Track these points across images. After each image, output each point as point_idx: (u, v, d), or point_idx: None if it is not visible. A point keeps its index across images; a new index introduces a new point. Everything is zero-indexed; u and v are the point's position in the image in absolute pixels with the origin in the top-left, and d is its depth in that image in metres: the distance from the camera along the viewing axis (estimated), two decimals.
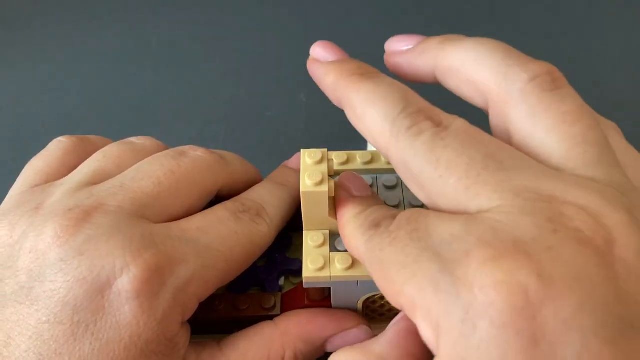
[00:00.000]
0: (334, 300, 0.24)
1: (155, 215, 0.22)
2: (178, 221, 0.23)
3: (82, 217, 0.21)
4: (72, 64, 0.45)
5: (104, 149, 0.26)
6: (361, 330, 0.24)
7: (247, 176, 0.27)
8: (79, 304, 0.19)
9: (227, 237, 0.23)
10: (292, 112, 0.41)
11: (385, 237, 0.18)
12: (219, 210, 0.24)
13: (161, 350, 0.20)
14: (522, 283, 0.14)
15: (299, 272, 0.24)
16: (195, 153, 0.25)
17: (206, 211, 0.24)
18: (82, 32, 0.48)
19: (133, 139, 0.27)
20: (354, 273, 0.23)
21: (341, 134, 0.39)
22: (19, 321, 0.20)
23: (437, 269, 0.16)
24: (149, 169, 0.24)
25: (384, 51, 0.46)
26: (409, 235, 0.17)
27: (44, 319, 0.19)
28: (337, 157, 0.27)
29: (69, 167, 0.25)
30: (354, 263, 0.23)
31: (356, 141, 0.39)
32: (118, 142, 0.26)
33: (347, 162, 0.26)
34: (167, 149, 0.26)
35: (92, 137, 0.27)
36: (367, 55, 0.45)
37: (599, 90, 0.42)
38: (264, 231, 0.24)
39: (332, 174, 0.26)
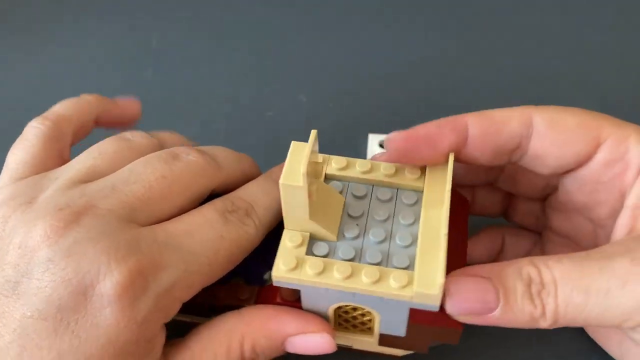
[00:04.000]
0: (303, 303, 0.24)
1: (145, 218, 0.23)
2: (165, 223, 0.23)
3: (72, 219, 0.21)
4: (72, 63, 0.45)
5: (100, 144, 0.26)
6: (323, 337, 0.24)
7: (242, 176, 0.27)
8: (62, 303, 0.20)
9: (212, 240, 0.23)
10: (292, 112, 0.41)
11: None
12: (208, 211, 0.24)
13: (139, 351, 0.21)
14: None
15: None
16: (188, 157, 0.25)
17: (194, 211, 0.24)
18: (82, 32, 0.48)
19: (129, 135, 0.26)
20: (324, 280, 0.22)
21: (341, 134, 0.40)
22: (5, 313, 0.21)
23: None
24: (141, 171, 0.24)
25: (384, 51, 0.46)
26: None
27: (29, 313, 0.20)
28: (337, 162, 0.26)
29: (53, 156, 0.26)
30: (326, 269, 0.23)
31: (356, 141, 0.39)
32: (114, 137, 0.26)
33: (346, 167, 0.26)
34: (161, 148, 0.26)
35: (64, 114, 0.27)
36: (367, 55, 0.45)
37: (599, 90, 0.42)
38: (251, 233, 0.24)
39: (322, 177, 0.26)
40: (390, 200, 0.25)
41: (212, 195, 0.26)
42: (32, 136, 0.26)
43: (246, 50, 0.45)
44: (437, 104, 0.41)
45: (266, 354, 0.24)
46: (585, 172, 0.24)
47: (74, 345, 0.20)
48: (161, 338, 0.23)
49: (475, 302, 0.22)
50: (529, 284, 0.21)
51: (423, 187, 0.25)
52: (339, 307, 0.24)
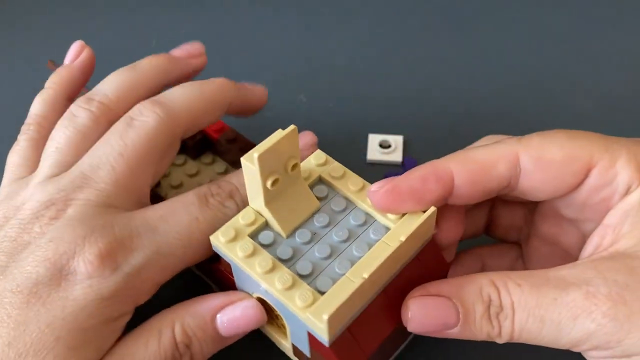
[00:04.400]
0: (235, 280, 0.25)
1: (120, 199, 0.25)
2: (145, 209, 0.25)
3: (54, 216, 0.24)
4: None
5: (54, 138, 0.27)
6: (248, 303, 0.24)
7: (209, 107, 0.28)
8: (39, 278, 0.22)
9: (186, 223, 0.24)
10: (292, 112, 0.41)
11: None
12: (189, 195, 0.25)
13: (101, 328, 0.22)
14: None
15: None
16: (142, 120, 0.26)
17: (176, 197, 0.25)
18: (82, 32, 0.47)
19: (75, 112, 0.27)
20: (245, 264, 0.23)
21: (341, 134, 0.40)
22: None
23: (621, 139, 0.24)
24: (101, 153, 0.25)
25: (384, 51, 0.46)
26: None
27: (9, 287, 0.22)
28: (334, 170, 0.26)
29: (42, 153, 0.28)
30: (252, 256, 0.23)
31: (356, 142, 0.39)
32: (62, 121, 0.27)
33: (340, 177, 0.26)
34: (112, 114, 0.27)
35: (41, 114, 0.29)
36: (367, 55, 0.45)
37: (598, 90, 0.42)
38: (230, 215, 0.25)
39: (309, 176, 0.25)
40: (360, 225, 0.24)
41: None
42: (22, 141, 0.28)
43: (246, 51, 0.45)
44: (437, 104, 0.41)
45: (198, 335, 0.24)
46: (574, 195, 0.24)
47: (40, 314, 0.22)
48: (124, 321, 0.24)
49: (435, 322, 0.22)
50: (488, 305, 0.22)
51: (393, 226, 0.24)
52: (262, 300, 0.25)
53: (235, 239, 0.24)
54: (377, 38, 0.47)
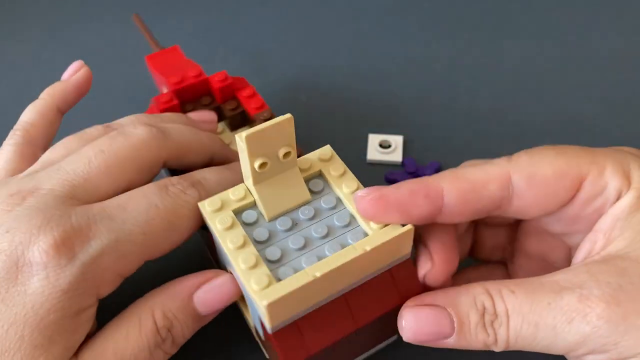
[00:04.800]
0: (217, 250, 0.26)
1: (86, 194, 0.24)
2: (104, 200, 0.24)
3: (17, 202, 0.23)
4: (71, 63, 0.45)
5: (59, 143, 0.27)
6: (225, 277, 0.25)
7: (200, 148, 0.28)
8: None
9: (145, 210, 0.24)
10: (292, 112, 0.41)
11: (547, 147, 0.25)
12: (150, 185, 0.25)
13: (64, 323, 0.22)
14: None
15: None
16: (133, 131, 0.26)
17: (137, 188, 0.25)
18: (82, 32, 0.48)
19: (86, 129, 0.28)
20: (219, 237, 0.23)
21: (341, 134, 0.40)
22: None
23: (608, 149, 0.24)
24: (84, 150, 0.25)
25: (384, 51, 0.46)
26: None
27: None
28: (335, 169, 0.26)
29: (27, 159, 0.28)
30: (228, 230, 0.24)
31: (356, 142, 0.39)
32: (70, 135, 0.28)
33: (339, 176, 0.26)
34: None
35: (28, 120, 0.29)
36: (367, 55, 0.45)
37: (598, 90, 0.42)
38: (192, 201, 0.25)
39: (309, 168, 0.26)
40: (342, 227, 0.24)
41: (174, 173, 0.27)
42: (6, 146, 0.28)
43: (246, 50, 0.45)
44: (437, 104, 0.42)
45: (179, 317, 0.24)
46: (566, 210, 0.24)
47: (1, 312, 0.21)
48: (89, 314, 0.23)
49: (430, 332, 0.23)
50: (482, 313, 0.22)
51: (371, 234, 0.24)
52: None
53: (219, 209, 0.24)
54: (377, 38, 0.47)
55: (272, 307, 0.21)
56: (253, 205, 0.25)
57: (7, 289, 0.21)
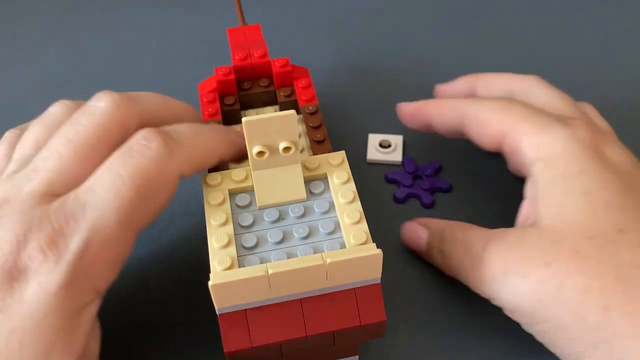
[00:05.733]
0: None
1: (65, 186, 0.24)
2: (77, 188, 0.23)
3: (2, 207, 0.23)
4: (72, 64, 0.45)
5: (24, 135, 0.27)
6: None
7: (170, 112, 0.27)
8: None
9: (110, 185, 0.23)
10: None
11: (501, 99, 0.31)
12: (115, 153, 0.24)
13: (64, 324, 0.22)
14: (598, 133, 0.28)
15: (448, 189, 0.35)
16: (96, 104, 0.25)
17: (104, 162, 0.24)
18: (82, 32, 0.48)
19: (49, 109, 0.27)
20: (207, 211, 0.25)
21: (341, 134, 0.40)
22: None
23: (549, 117, 0.29)
24: (53, 143, 0.25)
25: (384, 51, 0.46)
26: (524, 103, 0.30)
27: None
28: (338, 174, 0.26)
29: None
30: (219, 206, 0.25)
31: (356, 141, 0.39)
32: (35, 120, 0.27)
33: (339, 165, 0.27)
34: (80, 105, 0.27)
35: (29, 124, 0.28)
36: (367, 55, 0.45)
37: (598, 90, 0.42)
38: (158, 155, 0.24)
39: (312, 168, 0.26)
40: (324, 233, 0.25)
41: None
42: (0, 143, 0.28)
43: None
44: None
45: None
46: (509, 157, 0.30)
47: (1, 323, 0.21)
48: (90, 313, 0.23)
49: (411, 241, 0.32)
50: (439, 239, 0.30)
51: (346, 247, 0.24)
52: None
53: (216, 186, 0.25)
54: (377, 37, 0.47)
55: (216, 289, 0.22)
56: (250, 189, 0.26)
57: (4, 298, 0.21)
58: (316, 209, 0.25)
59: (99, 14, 0.49)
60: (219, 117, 0.32)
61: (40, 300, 0.21)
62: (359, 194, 0.26)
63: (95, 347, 0.24)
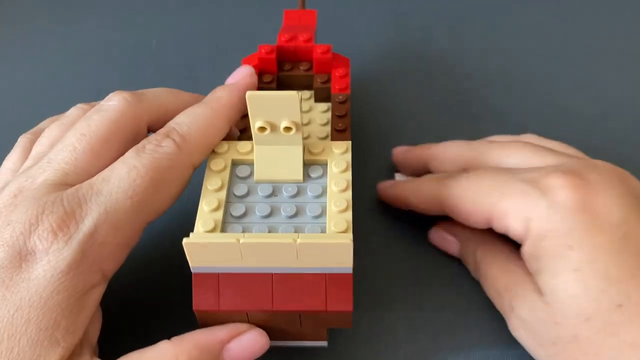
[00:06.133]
0: None
1: (78, 178, 0.25)
2: (91, 178, 0.25)
3: (13, 201, 0.24)
4: (72, 64, 0.45)
5: (42, 134, 0.28)
6: (254, 334, 0.25)
7: (181, 105, 0.28)
8: (1, 264, 0.22)
9: (126, 175, 0.24)
10: None
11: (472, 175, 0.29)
12: (129, 150, 0.25)
13: (70, 303, 0.23)
14: (581, 186, 0.26)
15: None
16: (107, 104, 0.27)
17: (119, 158, 0.25)
18: (82, 32, 0.48)
19: (67, 112, 0.29)
20: (207, 176, 0.26)
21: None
22: None
23: (525, 185, 0.27)
24: (67, 137, 0.26)
25: (384, 51, 0.46)
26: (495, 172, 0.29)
27: None
28: (340, 145, 0.28)
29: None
30: (218, 174, 0.26)
31: (356, 141, 0.39)
32: (51, 121, 0.29)
33: (342, 153, 0.27)
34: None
35: (42, 127, 0.30)
36: (366, 54, 0.45)
37: (597, 90, 0.42)
38: (169, 151, 0.25)
39: (313, 151, 0.27)
40: (311, 216, 0.25)
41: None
42: (15, 148, 0.29)
43: (247, 51, 0.45)
44: (436, 103, 0.41)
45: None
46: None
47: (6, 299, 0.22)
48: (95, 296, 0.24)
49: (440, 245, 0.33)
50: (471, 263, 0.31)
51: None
52: None
53: (221, 154, 0.27)
54: (377, 37, 0.47)
55: (189, 247, 0.23)
56: (252, 162, 0.27)
57: (12, 277, 0.22)
58: (309, 192, 0.26)
59: (99, 14, 0.49)
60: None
61: (48, 278, 0.22)
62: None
63: (94, 333, 0.25)
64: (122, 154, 0.25)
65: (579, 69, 0.44)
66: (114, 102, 0.27)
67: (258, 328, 0.25)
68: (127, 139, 0.26)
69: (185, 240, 0.23)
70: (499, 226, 0.28)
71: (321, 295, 0.24)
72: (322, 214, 0.25)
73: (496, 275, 0.29)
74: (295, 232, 0.25)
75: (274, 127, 0.25)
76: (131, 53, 0.46)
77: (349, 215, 0.25)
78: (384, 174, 0.37)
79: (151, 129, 0.28)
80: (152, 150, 0.25)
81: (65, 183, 0.24)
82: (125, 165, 0.24)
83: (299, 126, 0.26)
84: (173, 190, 0.26)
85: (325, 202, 0.26)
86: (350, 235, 0.24)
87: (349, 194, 0.26)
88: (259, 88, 0.33)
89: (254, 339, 0.25)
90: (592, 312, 0.24)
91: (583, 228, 0.25)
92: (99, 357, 0.24)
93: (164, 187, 0.25)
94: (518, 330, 0.27)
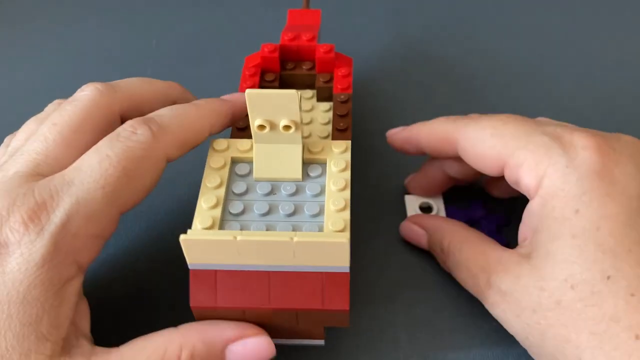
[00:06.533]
0: None
1: (50, 168, 0.24)
2: (66, 168, 0.24)
3: None
4: (72, 64, 0.45)
5: (19, 130, 0.28)
6: (261, 339, 0.24)
7: (154, 93, 0.28)
8: None
9: (98, 163, 0.24)
10: None
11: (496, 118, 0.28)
12: (103, 139, 0.25)
13: (47, 297, 0.22)
14: (605, 151, 0.25)
15: (506, 223, 0.33)
16: (80, 95, 0.26)
17: (92, 147, 0.25)
18: (82, 32, 0.48)
19: (46, 108, 0.29)
20: (206, 173, 0.26)
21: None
22: None
23: (548, 139, 0.26)
24: (40, 128, 0.26)
25: (384, 51, 0.46)
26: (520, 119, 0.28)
27: None
28: (340, 144, 0.27)
29: None
30: (217, 171, 0.26)
31: (357, 140, 0.39)
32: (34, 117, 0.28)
33: (342, 152, 0.27)
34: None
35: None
36: (367, 55, 0.45)
37: (598, 89, 0.42)
38: (143, 139, 0.24)
39: (313, 151, 0.27)
40: (308, 215, 0.25)
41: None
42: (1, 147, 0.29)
43: (247, 52, 0.45)
44: (435, 102, 0.41)
45: None
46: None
47: None
48: (74, 288, 0.23)
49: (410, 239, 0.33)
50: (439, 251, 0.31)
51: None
52: None
53: (221, 151, 0.27)
54: (377, 38, 0.47)
55: (186, 244, 0.23)
56: (251, 160, 0.27)
57: None
58: (307, 191, 0.26)
59: (99, 14, 0.49)
60: None
61: (23, 272, 0.22)
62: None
63: (85, 324, 0.24)
64: (93, 144, 0.25)
65: (582, 69, 0.44)
66: (86, 92, 0.26)
67: (266, 335, 0.25)
68: (100, 128, 0.26)
69: (182, 237, 0.23)
70: (511, 175, 0.27)
71: (318, 294, 0.24)
72: (320, 212, 0.25)
73: (469, 259, 0.28)
74: (293, 230, 0.25)
75: (273, 126, 0.25)
76: (131, 53, 0.45)
77: (346, 214, 0.25)
78: (385, 173, 0.37)
79: (125, 118, 0.27)
80: (126, 138, 0.24)
81: (38, 174, 0.24)
82: (98, 154, 0.24)
83: (298, 125, 0.26)
84: (147, 181, 0.25)
85: (324, 201, 0.26)
86: (347, 234, 0.24)
87: (347, 193, 0.26)
88: (261, 87, 0.34)
89: (260, 345, 0.24)
90: (579, 279, 0.24)
91: (596, 194, 0.24)
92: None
93: (137, 177, 0.24)
94: (497, 305, 0.26)
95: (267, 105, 0.25)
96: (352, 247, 0.25)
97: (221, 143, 0.27)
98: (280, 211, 0.25)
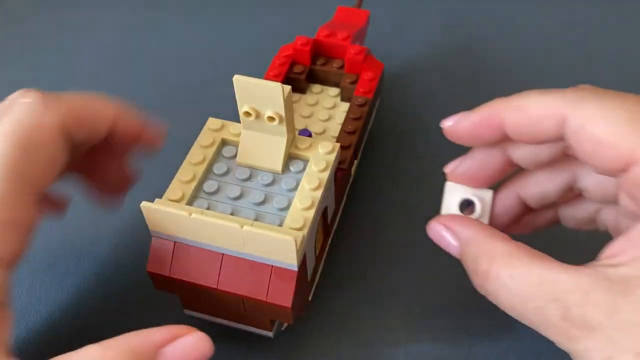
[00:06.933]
0: None
1: None
2: None
3: None
4: (71, 63, 0.44)
5: None
6: (195, 337, 0.22)
7: (94, 109, 0.25)
8: None
9: None
10: None
11: None
12: None
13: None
14: None
15: None
16: (21, 100, 0.24)
17: None
18: (82, 32, 0.47)
19: None
20: (192, 149, 0.27)
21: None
22: None
23: None
24: None
25: (384, 51, 0.45)
26: None
27: None
28: (326, 145, 0.27)
29: None
30: (204, 149, 0.27)
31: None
32: None
33: (328, 153, 0.27)
34: None
35: None
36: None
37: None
38: (32, 108, 0.23)
39: (300, 140, 0.27)
40: (276, 208, 0.26)
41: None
42: None
43: (247, 52, 0.45)
44: (434, 102, 0.41)
45: None
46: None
47: None
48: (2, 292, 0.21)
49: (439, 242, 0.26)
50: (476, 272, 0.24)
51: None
52: None
53: (213, 131, 0.28)
54: (377, 38, 0.46)
55: (146, 210, 0.24)
56: (239, 144, 0.27)
57: None
58: (282, 185, 0.26)
59: (99, 15, 0.49)
60: (280, 80, 0.33)
61: None
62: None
63: (3, 333, 0.22)
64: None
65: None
66: (25, 100, 0.24)
67: (200, 332, 0.22)
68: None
69: (143, 204, 0.24)
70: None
71: (264, 285, 0.24)
72: (287, 207, 0.25)
73: (526, 285, 0.22)
74: (256, 219, 0.25)
75: (258, 115, 0.26)
76: (131, 53, 0.45)
77: (310, 213, 0.25)
78: (392, 176, 0.36)
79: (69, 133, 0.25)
80: (14, 107, 0.23)
81: None
82: None
83: (282, 118, 0.26)
84: (50, 152, 0.23)
85: (294, 197, 0.26)
86: (299, 233, 0.24)
87: (318, 193, 0.26)
88: (289, 78, 0.34)
89: (194, 344, 0.22)
90: None
91: None
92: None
93: (33, 150, 0.22)
94: (578, 341, 0.21)
95: (253, 93, 0.25)
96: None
97: (216, 122, 0.28)
98: (252, 198, 0.26)
